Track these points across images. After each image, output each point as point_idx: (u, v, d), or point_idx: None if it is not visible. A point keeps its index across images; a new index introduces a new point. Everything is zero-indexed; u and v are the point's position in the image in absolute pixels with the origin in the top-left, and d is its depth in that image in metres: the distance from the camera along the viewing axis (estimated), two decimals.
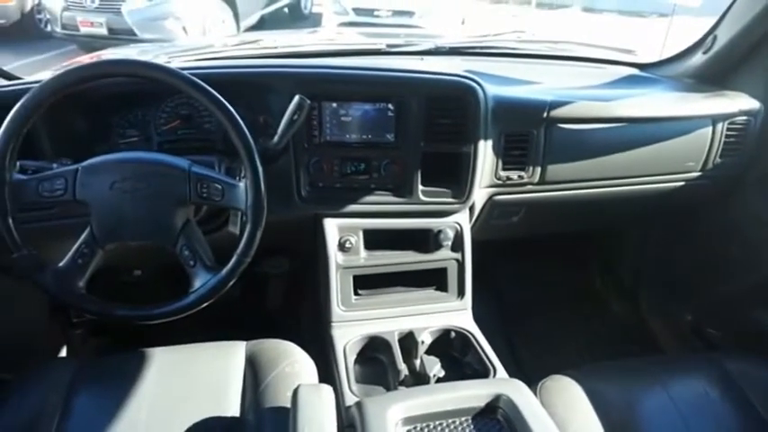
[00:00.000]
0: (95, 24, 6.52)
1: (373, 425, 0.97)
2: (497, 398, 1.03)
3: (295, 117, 1.23)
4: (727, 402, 1.35)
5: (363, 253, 1.46)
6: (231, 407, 1.23)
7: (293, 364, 1.29)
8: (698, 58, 1.68)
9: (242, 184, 1.12)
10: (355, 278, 1.47)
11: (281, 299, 2.00)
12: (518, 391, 1.06)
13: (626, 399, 1.34)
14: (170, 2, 6.49)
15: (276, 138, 1.25)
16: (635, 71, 1.86)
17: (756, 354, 1.49)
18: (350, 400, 1.18)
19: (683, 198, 1.67)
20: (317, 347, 1.43)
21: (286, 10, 9.04)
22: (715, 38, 1.59)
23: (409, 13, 6.91)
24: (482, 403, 1.04)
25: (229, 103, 1.09)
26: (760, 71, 1.56)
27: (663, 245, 2.03)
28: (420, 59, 1.77)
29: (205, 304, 1.13)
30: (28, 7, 7.68)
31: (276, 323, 1.84)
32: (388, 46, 1.88)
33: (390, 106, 1.36)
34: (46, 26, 7.41)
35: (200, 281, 1.12)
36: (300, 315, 1.95)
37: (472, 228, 1.57)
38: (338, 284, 1.44)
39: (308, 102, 1.23)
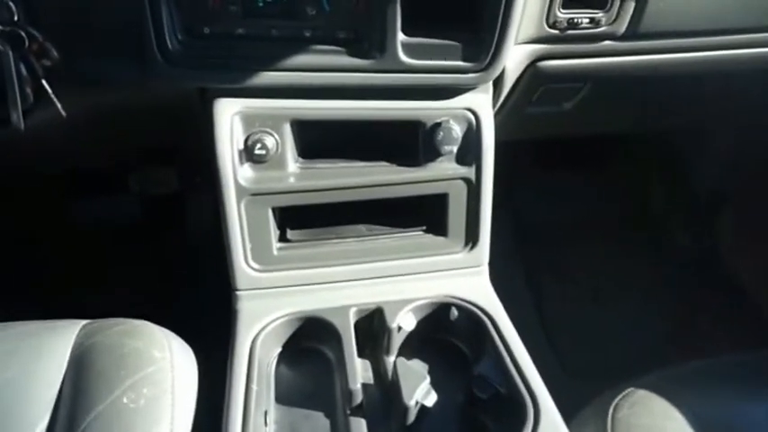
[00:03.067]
0: None
1: None
2: None
3: None
4: None
5: (293, 165, 0.79)
6: None
7: (140, 386, 0.67)
8: None
9: None
10: (281, 212, 0.81)
11: (194, 234, 1.30)
12: None
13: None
14: None
15: None
16: None
17: None
18: None
19: None
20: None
21: None
22: None
23: None
24: None
25: None
26: None
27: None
28: None
29: None
30: None
31: (179, 284, 1.17)
32: None
33: None
34: None
35: None
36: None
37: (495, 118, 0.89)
38: (244, 223, 0.78)
39: None
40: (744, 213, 1.50)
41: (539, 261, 1.46)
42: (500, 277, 0.97)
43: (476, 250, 0.85)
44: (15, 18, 0.63)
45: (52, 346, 0.77)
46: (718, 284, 1.47)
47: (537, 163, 1.52)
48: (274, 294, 0.81)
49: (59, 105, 0.69)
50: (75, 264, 1.21)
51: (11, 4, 0.61)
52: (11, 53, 0.63)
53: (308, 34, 0.74)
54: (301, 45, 0.74)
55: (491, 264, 0.91)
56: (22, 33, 0.63)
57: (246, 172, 0.77)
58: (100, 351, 0.72)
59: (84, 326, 0.79)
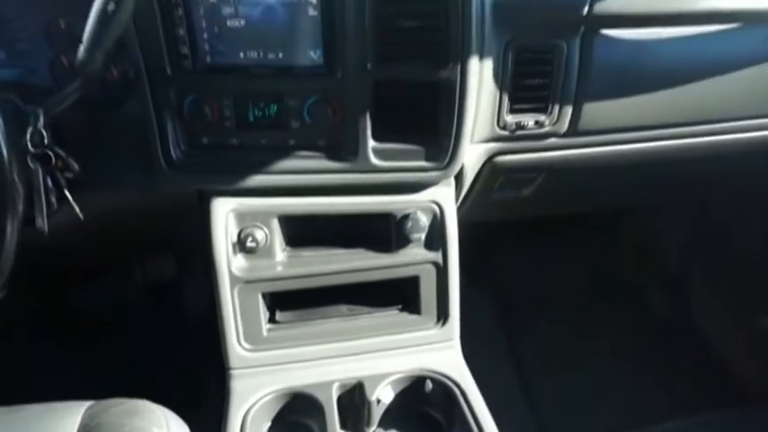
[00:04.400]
0: None
1: None
2: None
3: (110, 7, 0.64)
4: None
5: (281, 255, 0.89)
6: None
7: None
8: None
9: None
10: (270, 295, 0.90)
11: (187, 318, 1.40)
12: None
13: None
14: None
15: (81, 50, 0.66)
16: None
17: None
18: None
19: None
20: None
21: None
22: None
23: None
24: None
25: None
26: None
27: (731, 221, 1.45)
28: None
29: None
30: None
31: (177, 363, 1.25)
32: None
33: None
34: None
35: None
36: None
37: (460, 207, 1.00)
38: (237, 308, 0.87)
39: None
40: (712, 277, 1.58)
41: (519, 332, 1.53)
42: (482, 349, 1.05)
43: (447, 326, 0.93)
44: (45, 141, 0.74)
45: (58, 429, 0.83)
46: (692, 346, 1.53)
47: (514, 238, 1.62)
48: (264, 372, 0.88)
49: (78, 209, 0.80)
50: (75, 346, 1.28)
51: (42, 130, 0.73)
52: (40, 170, 0.74)
53: (292, 143, 0.85)
54: (287, 152, 0.85)
55: (473, 336, 0.99)
56: (50, 153, 0.75)
57: (239, 262, 0.87)
58: (107, 425, 0.79)
59: (88, 407, 0.86)
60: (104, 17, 0.64)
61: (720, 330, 1.54)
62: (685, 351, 1.53)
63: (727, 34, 0.89)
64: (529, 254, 1.67)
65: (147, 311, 1.33)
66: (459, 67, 0.78)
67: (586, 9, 0.81)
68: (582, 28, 0.84)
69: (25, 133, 0.72)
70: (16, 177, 0.60)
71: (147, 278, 1.32)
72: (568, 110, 0.90)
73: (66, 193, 0.78)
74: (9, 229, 0.60)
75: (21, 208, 0.61)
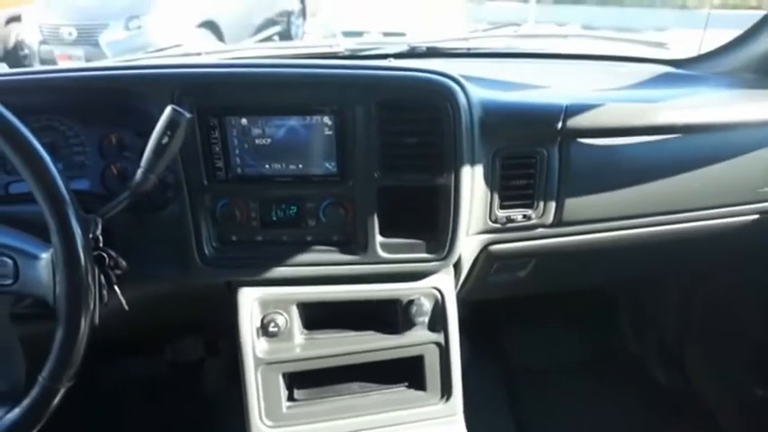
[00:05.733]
0: (74, 58, 6.19)
1: None
2: None
3: (164, 140, 0.78)
4: None
5: (299, 338, 1.00)
6: None
7: None
8: (762, 45, 1.22)
9: (46, 257, 0.67)
10: (290, 376, 1.00)
11: (211, 398, 1.49)
12: None
13: None
14: (149, 32, 6.16)
15: (138, 173, 0.80)
16: (670, 69, 1.41)
17: None
18: None
19: (754, 237, 1.20)
20: None
21: (276, 38, 8.73)
22: None
23: (401, 35, 6.53)
24: None
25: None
26: None
27: (722, 294, 1.54)
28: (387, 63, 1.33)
29: None
30: (11, 44, 7.40)
31: None
32: (349, 49, 1.45)
33: (327, 120, 0.91)
34: (24, 62, 7.09)
35: None
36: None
37: (461, 289, 1.11)
38: (259, 387, 0.97)
39: (187, 115, 0.79)
40: (710, 346, 1.65)
41: (522, 404, 1.59)
42: (486, 421, 1.12)
43: (450, 401, 1.02)
44: (100, 244, 0.87)
45: None
46: (694, 416, 1.58)
47: (515, 311, 1.71)
48: None
49: (124, 301, 0.91)
50: (102, 422, 1.36)
51: (99, 235, 0.85)
52: (96, 269, 0.86)
53: (309, 239, 0.96)
54: (304, 247, 0.96)
55: (477, 409, 1.06)
56: (104, 254, 0.87)
57: (262, 345, 0.97)
58: None
59: None
60: (159, 148, 0.79)
61: (720, 400, 1.59)
62: (687, 420, 1.58)
63: (684, 140, 1.03)
64: (530, 326, 1.75)
65: (174, 389, 1.43)
66: (453, 174, 0.92)
67: (560, 125, 0.95)
68: (558, 138, 0.97)
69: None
70: (90, 280, 0.72)
71: (175, 357, 1.42)
72: (552, 205, 1.02)
73: (116, 288, 0.90)
74: (83, 325, 0.71)
75: (92, 306, 0.73)
